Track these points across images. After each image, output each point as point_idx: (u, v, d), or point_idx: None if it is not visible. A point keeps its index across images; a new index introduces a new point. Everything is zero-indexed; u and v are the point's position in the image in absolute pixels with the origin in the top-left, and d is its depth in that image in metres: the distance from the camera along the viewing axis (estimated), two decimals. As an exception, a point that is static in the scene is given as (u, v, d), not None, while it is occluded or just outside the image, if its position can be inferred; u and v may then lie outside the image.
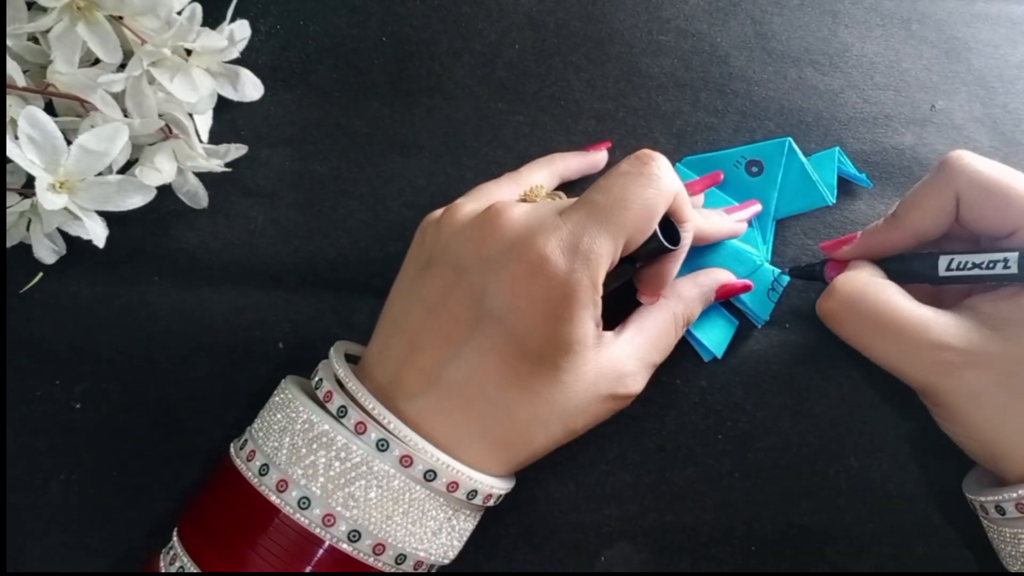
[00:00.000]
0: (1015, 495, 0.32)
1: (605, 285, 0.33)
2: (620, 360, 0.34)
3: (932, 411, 0.36)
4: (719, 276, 0.39)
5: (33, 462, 0.39)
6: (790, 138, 0.42)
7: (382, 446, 0.31)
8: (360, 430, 0.31)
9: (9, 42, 0.36)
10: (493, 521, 0.38)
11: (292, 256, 0.41)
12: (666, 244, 0.33)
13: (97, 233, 0.36)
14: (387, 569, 0.32)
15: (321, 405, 0.33)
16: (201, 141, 0.39)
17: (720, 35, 0.44)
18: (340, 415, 0.32)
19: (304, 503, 0.31)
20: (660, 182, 0.32)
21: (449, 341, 0.32)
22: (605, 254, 0.31)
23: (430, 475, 0.31)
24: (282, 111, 0.42)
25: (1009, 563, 0.34)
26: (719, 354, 0.40)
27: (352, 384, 0.33)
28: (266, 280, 0.40)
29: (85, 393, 0.39)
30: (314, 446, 0.31)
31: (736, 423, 0.40)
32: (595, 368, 0.33)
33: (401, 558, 0.32)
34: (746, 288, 0.39)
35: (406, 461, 0.31)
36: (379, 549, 0.31)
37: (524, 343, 0.31)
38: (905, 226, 0.35)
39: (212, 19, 0.37)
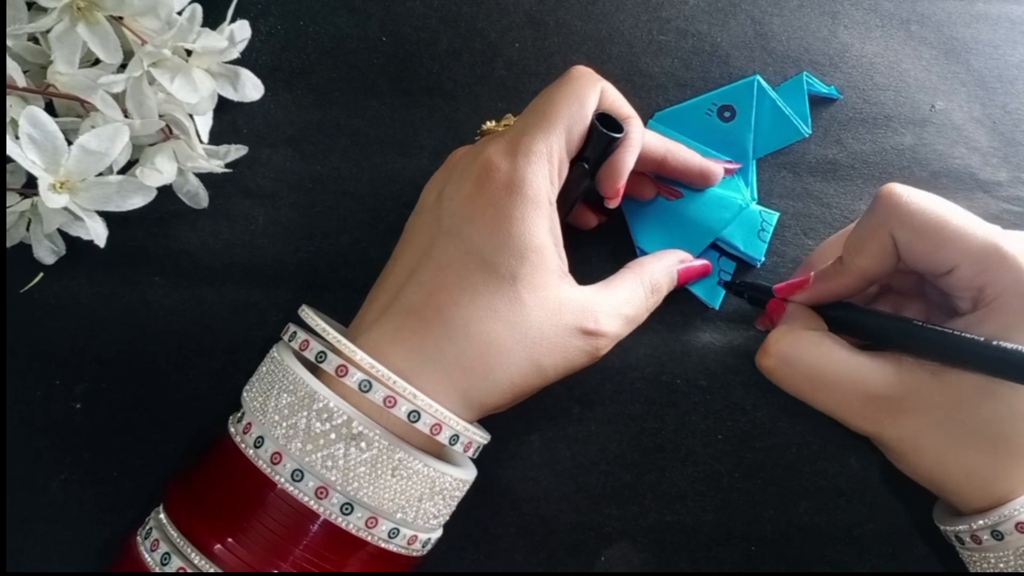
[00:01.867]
0: (967, 527, 0.33)
1: (566, 193, 0.34)
2: (589, 297, 0.33)
3: (883, 453, 0.36)
4: (681, 254, 0.39)
5: (33, 462, 0.39)
6: (758, 76, 0.42)
7: (364, 387, 0.31)
8: (341, 373, 0.31)
9: (9, 42, 0.36)
10: (493, 521, 0.38)
11: (293, 256, 0.41)
12: (604, 130, 0.34)
13: (98, 233, 0.35)
14: (356, 531, 0.31)
15: (301, 358, 0.32)
16: (201, 142, 0.39)
17: (720, 35, 0.44)
18: (320, 360, 0.31)
19: (298, 476, 0.30)
20: (580, 78, 0.34)
21: (407, 269, 0.33)
22: (544, 150, 0.33)
23: (414, 416, 0.31)
24: (282, 111, 0.42)
25: None
26: (716, 305, 0.40)
27: (318, 326, 0.32)
28: (267, 280, 0.41)
29: (85, 393, 0.39)
30: (297, 407, 0.31)
31: (736, 423, 0.40)
32: (558, 294, 0.32)
33: (373, 521, 0.31)
34: (705, 269, 0.40)
35: (389, 402, 0.30)
36: (371, 522, 0.31)
37: (479, 252, 0.31)
38: (852, 271, 0.35)
39: (212, 19, 0.37)
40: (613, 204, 0.36)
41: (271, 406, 0.31)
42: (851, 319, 0.36)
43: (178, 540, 0.31)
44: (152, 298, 0.40)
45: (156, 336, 0.40)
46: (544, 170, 0.32)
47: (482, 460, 0.35)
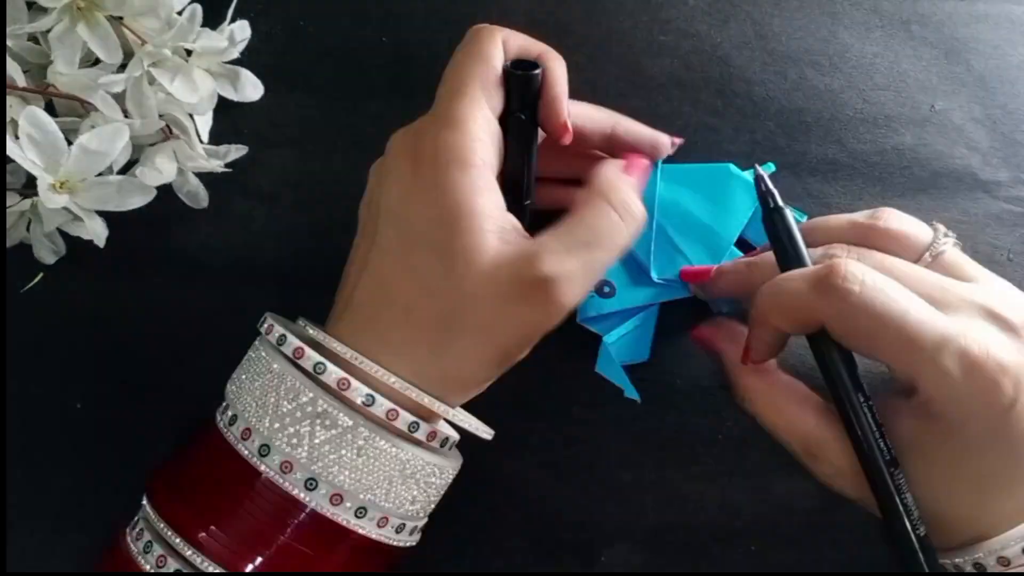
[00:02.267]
0: (949, 562, 0.31)
1: (517, 150, 0.34)
2: (528, 245, 0.30)
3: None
4: (642, 159, 0.37)
5: (33, 462, 0.39)
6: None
7: (319, 369, 0.30)
8: (298, 355, 0.31)
9: (9, 42, 0.36)
10: (493, 521, 0.38)
11: (292, 256, 0.41)
12: (517, 72, 0.33)
13: (98, 233, 0.36)
14: (355, 526, 0.31)
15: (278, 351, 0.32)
16: (201, 142, 0.39)
17: (720, 36, 0.44)
18: (280, 343, 0.32)
19: (265, 451, 0.30)
20: (478, 35, 0.34)
21: (361, 258, 0.33)
22: (464, 114, 0.32)
23: (368, 399, 0.30)
24: (282, 112, 0.42)
25: None
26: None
27: (315, 330, 0.32)
28: (266, 280, 0.41)
29: (85, 393, 0.39)
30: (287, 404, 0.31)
31: (736, 423, 0.40)
32: (496, 255, 0.30)
33: (362, 511, 0.31)
34: (650, 161, 0.38)
35: (343, 384, 0.30)
36: (336, 500, 0.30)
37: (414, 231, 0.31)
38: (766, 327, 0.33)
39: (212, 20, 0.37)
40: (567, 140, 0.34)
41: (246, 389, 0.32)
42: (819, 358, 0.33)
43: (164, 530, 0.31)
44: (152, 298, 0.40)
45: (156, 336, 0.40)
46: (469, 131, 0.31)
47: (482, 459, 0.35)
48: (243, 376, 0.33)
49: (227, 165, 0.40)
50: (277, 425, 0.30)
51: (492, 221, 0.30)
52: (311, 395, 0.30)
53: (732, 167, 0.41)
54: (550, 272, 0.29)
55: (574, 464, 0.39)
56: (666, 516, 0.39)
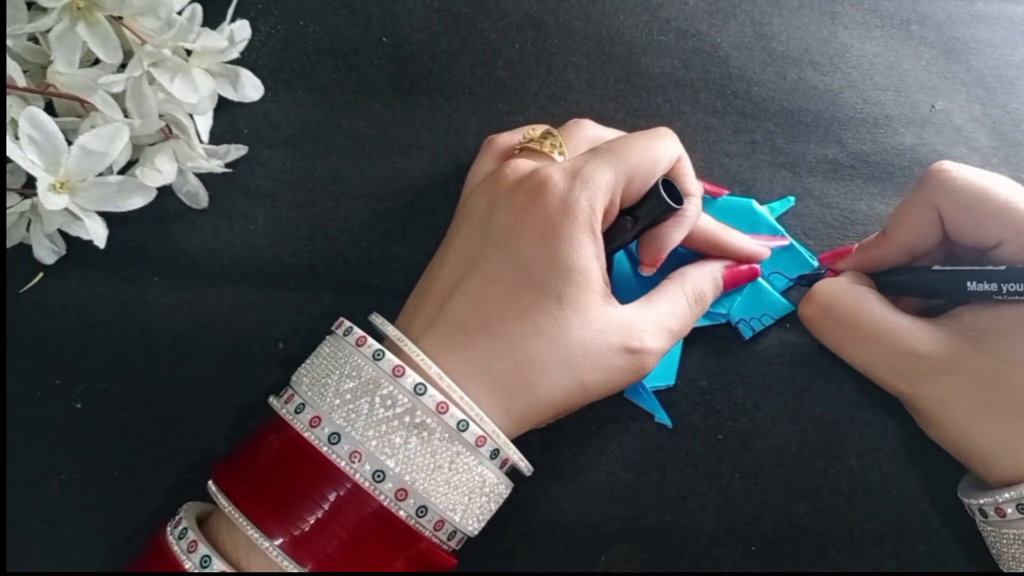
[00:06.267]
0: (992, 500, 0.33)
1: (607, 240, 0.34)
2: (631, 316, 0.34)
3: (912, 415, 0.36)
4: (724, 262, 0.39)
5: (33, 462, 0.39)
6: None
7: (420, 390, 0.31)
8: (398, 373, 0.31)
9: (9, 42, 0.36)
10: (493, 521, 0.38)
11: (292, 256, 0.41)
12: (667, 199, 0.34)
13: (98, 233, 0.36)
14: (406, 518, 0.31)
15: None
16: (201, 141, 0.39)
17: (720, 36, 0.44)
18: (377, 358, 0.31)
19: (334, 439, 0.30)
20: (663, 139, 0.35)
21: (453, 278, 0.33)
22: (603, 182, 0.33)
23: (462, 424, 0.31)
24: (282, 111, 0.42)
25: (1004, 565, 0.34)
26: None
27: (389, 329, 0.33)
28: (266, 280, 0.41)
29: (85, 393, 0.39)
30: (360, 392, 0.31)
31: (736, 423, 0.40)
32: (602, 315, 0.32)
33: (423, 510, 0.31)
34: (753, 274, 0.39)
35: (442, 408, 0.31)
36: (401, 495, 0.30)
37: (525, 268, 0.32)
38: (893, 242, 0.36)
39: (212, 19, 0.37)
40: (647, 272, 0.37)
41: (331, 390, 0.31)
42: (902, 281, 0.36)
43: (250, 532, 0.30)
44: (152, 298, 0.40)
45: (156, 336, 0.40)
46: (599, 201, 0.33)
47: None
48: (325, 375, 0.32)
49: (227, 165, 0.40)
50: (371, 432, 0.30)
51: (601, 284, 0.33)
52: (409, 405, 0.31)
53: (754, 203, 0.42)
54: (650, 346, 0.33)
55: (574, 464, 0.39)
56: (666, 516, 0.39)
